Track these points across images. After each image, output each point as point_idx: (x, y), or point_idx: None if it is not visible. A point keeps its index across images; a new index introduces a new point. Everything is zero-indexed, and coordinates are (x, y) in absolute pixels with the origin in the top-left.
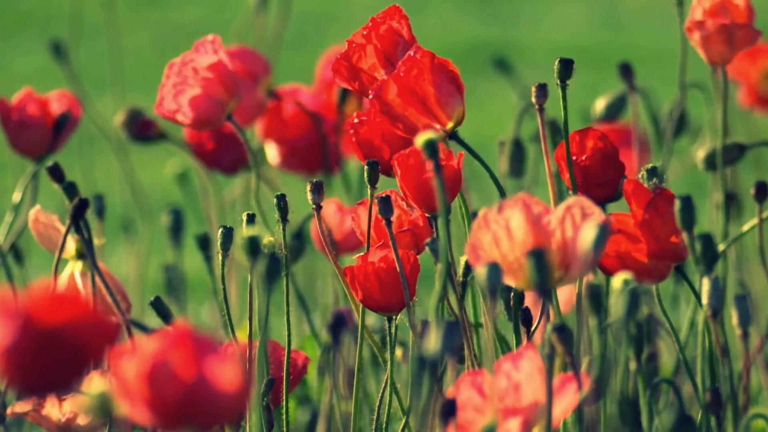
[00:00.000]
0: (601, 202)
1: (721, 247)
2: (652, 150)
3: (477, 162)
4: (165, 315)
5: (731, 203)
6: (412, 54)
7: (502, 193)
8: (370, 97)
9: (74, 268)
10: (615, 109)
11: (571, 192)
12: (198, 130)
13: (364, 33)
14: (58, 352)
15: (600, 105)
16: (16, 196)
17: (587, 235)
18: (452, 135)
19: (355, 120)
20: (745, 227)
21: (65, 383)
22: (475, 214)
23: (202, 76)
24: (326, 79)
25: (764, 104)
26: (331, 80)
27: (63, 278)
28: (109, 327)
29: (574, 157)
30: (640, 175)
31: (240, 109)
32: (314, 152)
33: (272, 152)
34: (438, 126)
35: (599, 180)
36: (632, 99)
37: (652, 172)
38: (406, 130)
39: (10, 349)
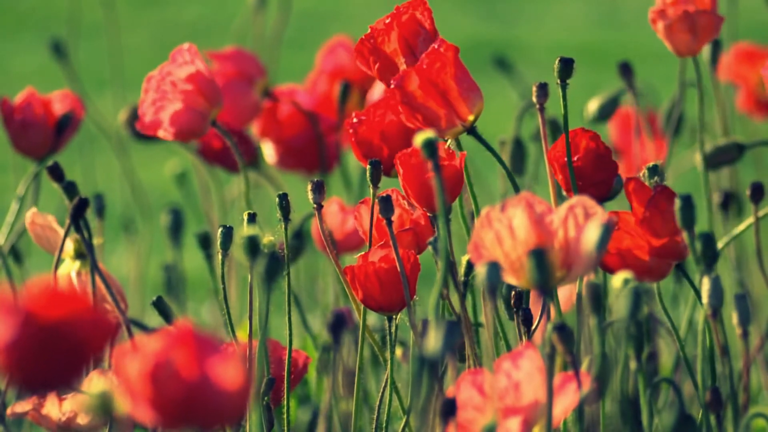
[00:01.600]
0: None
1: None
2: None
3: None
4: (167, 315)
5: (729, 203)
6: (436, 47)
7: (516, 188)
8: (391, 86)
9: (72, 268)
10: (608, 110)
11: (565, 192)
12: (182, 141)
13: (387, 21)
14: (58, 349)
15: (593, 106)
16: (18, 196)
17: (591, 234)
18: (471, 130)
19: (354, 119)
20: (741, 227)
21: (65, 380)
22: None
23: (180, 89)
24: (325, 70)
25: (763, 109)
26: (331, 71)
27: (61, 278)
28: (108, 324)
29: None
30: (641, 174)
31: (236, 110)
32: (311, 151)
33: (269, 151)
34: (457, 120)
35: (592, 180)
36: (631, 98)
37: (653, 171)
38: (425, 122)
39: (10, 345)
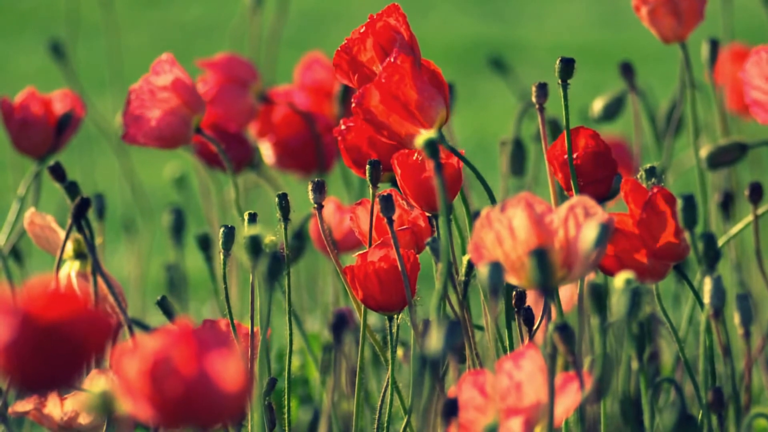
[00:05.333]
0: (595, 201)
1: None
2: (649, 150)
3: (477, 162)
4: (170, 314)
5: (729, 203)
6: (392, 60)
7: (492, 198)
8: (353, 105)
9: (72, 268)
10: (613, 110)
11: (565, 191)
12: (166, 148)
13: (362, 30)
14: (56, 348)
15: (597, 106)
16: (19, 195)
17: (588, 234)
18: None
19: (342, 126)
20: (739, 226)
21: (64, 379)
22: (476, 214)
23: (159, 97)
24: (304, 86)
25: None
26: (309, 86)
27: (61, 278)
28: (106, 324)
29: (565, 156)
30: (638, 175)
31: (232, 114)
32: (308, 151)
33: (267, 152)
34: (422, 130)
35: (591, 178)
36: (632, 99)
37: (651, 172)
38: (390, 137)
39: (9, 345)
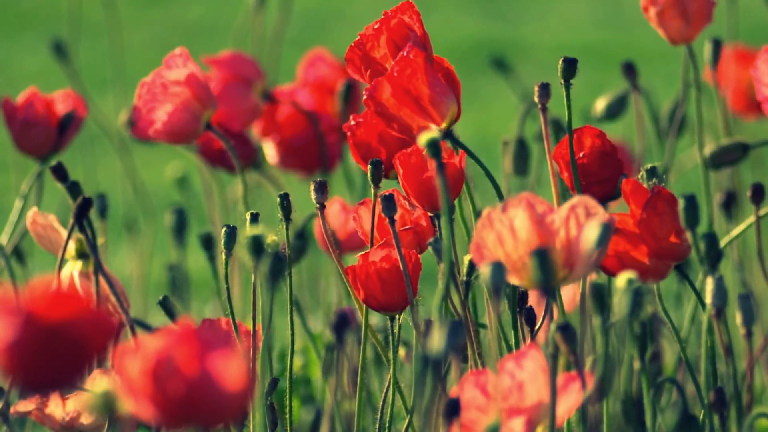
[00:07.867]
0: (601, 200)
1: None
2: (652, 150)
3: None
4: (172, 314)
5: (731, 203)
6: (405, 54)
7: (500, 195)
8: (364, 98)
9: (74, 268)
10: (615, 110)
11: (571, 190)
12: (176, 143)
13: (376, 26)
14: (59, 349)
15: (600, 105)
16: (21, 195)
17: (590, 233)
18: (447, 134)
19: (352, 122)
20: (741, 227)
21: (67, 380)
22: (479, 214)
23: (171, 91)
24: (307, 82)
25: (754, 109)
26: (312, 83)
27: (63, 278)
28: (109, 324)
29: None
30: (639, 175)
31: (236, 113)
32: (312, 151)
33: (270, 152)
34: (433, 126)
35: (597, 178)
36: (635, 98)
37: (652, 172)
38: (401, 131)
39: (12, 345)
